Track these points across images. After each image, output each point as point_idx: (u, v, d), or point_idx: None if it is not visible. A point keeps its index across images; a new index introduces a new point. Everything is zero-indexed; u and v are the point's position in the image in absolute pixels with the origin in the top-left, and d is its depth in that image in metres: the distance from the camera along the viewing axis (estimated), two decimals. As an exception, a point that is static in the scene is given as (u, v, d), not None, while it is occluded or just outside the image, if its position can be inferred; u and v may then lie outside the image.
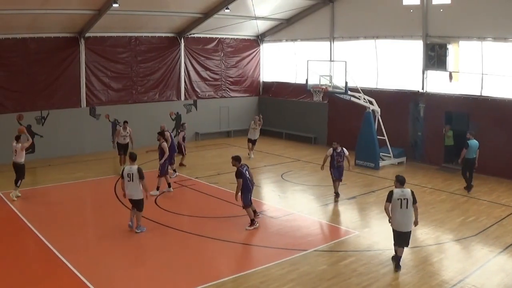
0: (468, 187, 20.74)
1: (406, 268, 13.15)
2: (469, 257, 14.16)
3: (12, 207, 18.22)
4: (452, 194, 20.29)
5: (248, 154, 27.30)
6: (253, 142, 27.75)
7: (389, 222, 13.26)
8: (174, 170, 22.86)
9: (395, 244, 13.31)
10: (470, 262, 13.63)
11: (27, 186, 21.08)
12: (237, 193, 16.10)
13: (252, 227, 16.20)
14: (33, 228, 15.91)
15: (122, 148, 23.78)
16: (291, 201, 20.13)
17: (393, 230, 13.22)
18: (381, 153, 25.35)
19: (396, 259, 13.22)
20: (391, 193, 13.03)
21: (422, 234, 15.76)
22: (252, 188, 16.56)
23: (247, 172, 16.30)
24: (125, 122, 24.18)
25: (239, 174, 15.99)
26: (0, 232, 15.78)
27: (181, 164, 25.05)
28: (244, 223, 16.49)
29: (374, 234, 15.89)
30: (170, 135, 22.92)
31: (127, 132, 23.80)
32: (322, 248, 14.59)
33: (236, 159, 16.32)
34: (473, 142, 20.57)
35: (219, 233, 15.91)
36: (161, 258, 13.98)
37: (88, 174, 23.41)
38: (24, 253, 14.15)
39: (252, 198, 16.56)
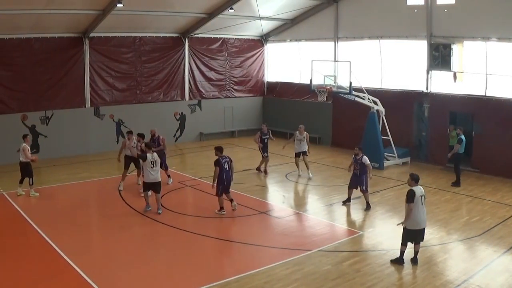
0: (459, 182, 21.51)
1: (410, 268, 13.17)
2: (473, 257, 14.15)
3: (17, 207, 18.26)
4: (456, 194, 20.27)
5: (300, 172, 23.36)
6: (300, 154, 22.99)
7: (403, 224, 13.25)
8: (169, 176, 21.86)
9: (404, 244, 13.33)
10: (475, 262, 13.62)
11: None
12: (214, 180, 17.29)
13: (219, 212, 17.60)
14: (37, 229, 15.95)
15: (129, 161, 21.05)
16: (296, 201, 20.13)
17: (410, 230, 13.20)
18: (385, 153, 25.33)
19: (402, 260, 13.34)
20: (413, 193, 13.05)
21: (426, 234, 15.62)
22: (227, 182, 17.56)
23: (226, 164, 17.43)
24: (130, 132, 21.55)
25: (216, 163, 17.27)
26: (5, 232, 15.81)
27: (257, 169, 24.03)
28: (249, 223, 16.63)
29: (378, 234, 15.90)
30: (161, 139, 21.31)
31: (134, 143, 20.96)
32: (326, 248, 14.58)
33: (218, 149, 17.66)
34: (464, 138, 21.36)
35: (223, 233, 15.97)
36: (165, 258, 14.02)
37: (92, 174, 23.44)
38: (28, 254, 14.15)
39: (230, 190, 17.99)
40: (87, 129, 27.90)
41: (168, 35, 30.81)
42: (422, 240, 13.51)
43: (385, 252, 14.21)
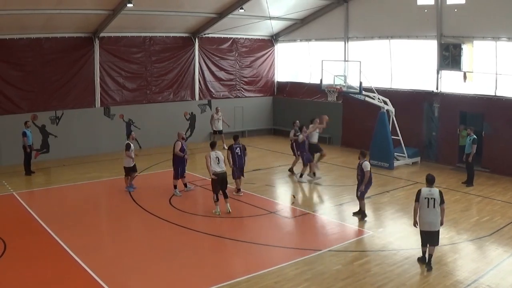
0: (472, 182, 21.54)
1: (420, 268, 13.13)
2: (483, 257, 14.09)
3: (27, 207, 18.35)
4: (466, 194, 20.20)
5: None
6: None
7: (415, 225, 13.27)
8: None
9: (423, 245, 13.33)
10: (485, 262, 13.57)
11: (41, 186, 21.30)
12: (228, 162, 19.53)
13: (237, 194, 19.93)
14: (47, 228, 16.02)
15: None
16: (305, 201, 20.12)
17: (420, 231, 13.24)
18: (395, 153, 25.26)
19: (423, 259, 13.31)
20: (419, 192, 13.07)
21: (437, 234, 15.75)
22: (239, 165, 19.95)
23: (238, 149, 19.90)
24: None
25: (229, 148, 20.18)
26: (15, 232, 15.85)
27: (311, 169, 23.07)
28: (259, 223, 16.71)
29: (388, 234, 15.86)
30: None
31: None
32: (336, 248, 14.58)
33: (233, 138, 20.50)
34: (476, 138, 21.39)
35: (233, 233, 15.96)
36: (175, 258, 14.03)
37: (102, 174, 23.49)
38: (38, 254, 14.21)
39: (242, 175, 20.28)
40: (97, 129, 27.95)
41: (178, 35, 30.85)
42: (436, 244, 13.28)
43: (395, 252, 14.19)
